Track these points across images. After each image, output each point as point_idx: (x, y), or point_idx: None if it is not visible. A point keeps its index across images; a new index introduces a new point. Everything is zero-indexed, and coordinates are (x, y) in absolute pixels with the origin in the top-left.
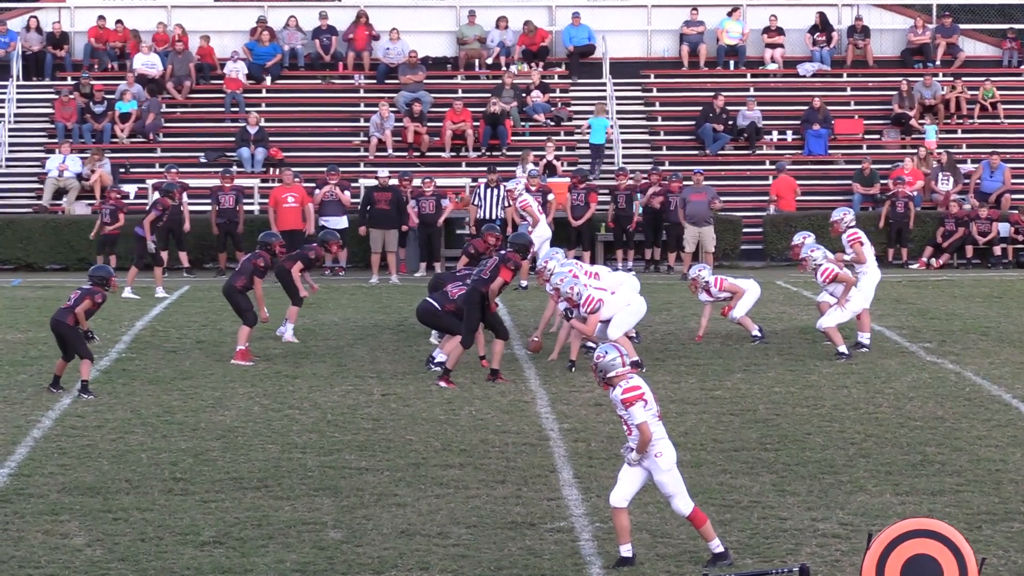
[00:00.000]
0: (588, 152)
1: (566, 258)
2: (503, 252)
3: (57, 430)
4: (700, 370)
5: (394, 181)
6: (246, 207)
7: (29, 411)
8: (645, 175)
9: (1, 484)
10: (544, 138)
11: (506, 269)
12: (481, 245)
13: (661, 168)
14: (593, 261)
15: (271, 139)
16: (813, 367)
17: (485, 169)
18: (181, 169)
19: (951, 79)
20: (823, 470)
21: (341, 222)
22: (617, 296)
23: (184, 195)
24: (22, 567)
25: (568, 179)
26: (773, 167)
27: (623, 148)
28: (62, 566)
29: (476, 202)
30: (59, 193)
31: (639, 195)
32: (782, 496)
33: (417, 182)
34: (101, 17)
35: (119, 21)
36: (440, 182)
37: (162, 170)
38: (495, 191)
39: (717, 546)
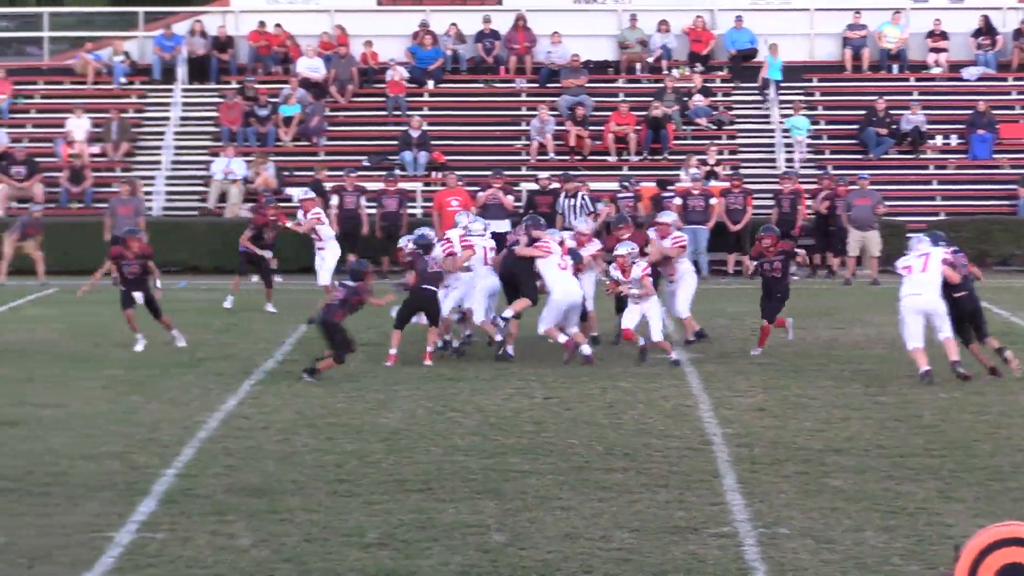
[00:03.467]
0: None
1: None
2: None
3: (223, 431)
4: (864, 376)
5: (555, 185)
6: (409, 210)
7: (195, 412)
8: (816, 179)
9: (168, 485)
10: (706, 142)
11: None
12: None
13: (832, 172)
14: None
15: (433, 143)
16: (978, 373)
17: (560, 176)
18: (358, 174)
19: None
20: (990, 477)
21: (503, 225)
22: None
23: (362, 199)
24: (189, 567)
25: (728, 183)
26: (938, 171)
27: (786, 152)
28: (229, 566)
29: (560, 211)
30: (224, 196)
31: (808, 199)
32: (948, 503)
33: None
34: (261, 23)
35: (278, 25)
36: (603, 186)
37: (327, 173)
38: (573, 200)
39: None
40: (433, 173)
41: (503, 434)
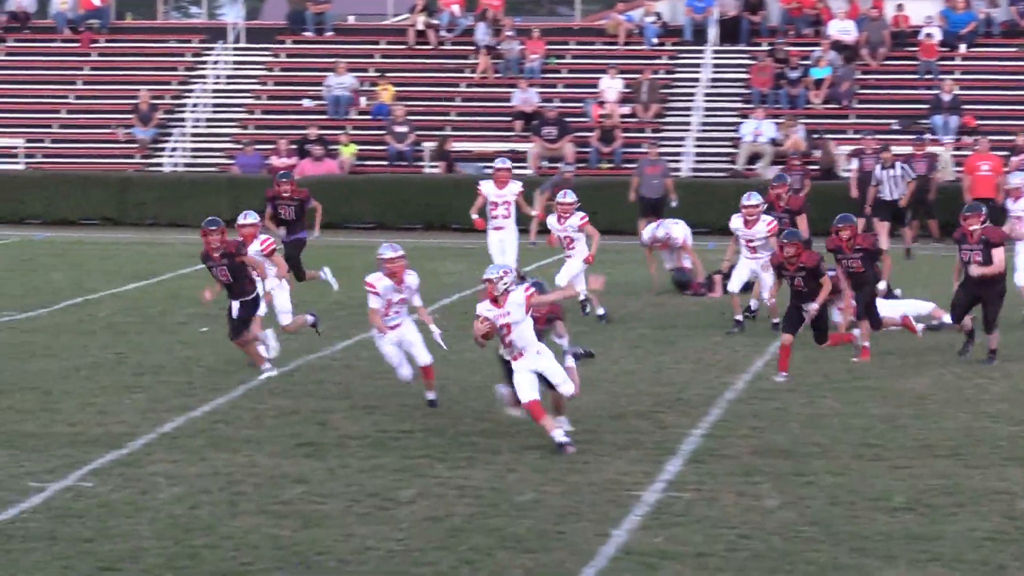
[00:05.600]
0: None
1: None
2: None
3: (749, 392)
4: None
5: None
6: (938, 175)
7: (722, 374)
8: None
9: (695, 445)
10: None
11: None
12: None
13: None
14: None
15: (964, 107)
16: None
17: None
18: (878, 136)
19: None
20: None
21: None
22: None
23: (902, 167)
24: (716, 527)
25: None
26: None
27: None
28: (754, 527)
29: (873, 183)
30: (753, 158)
31: None
32: None
33: None
34: None
35: None
36: None
37: (857, 136)
38: (892, 171)
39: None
40: (963, 137)
41: None
